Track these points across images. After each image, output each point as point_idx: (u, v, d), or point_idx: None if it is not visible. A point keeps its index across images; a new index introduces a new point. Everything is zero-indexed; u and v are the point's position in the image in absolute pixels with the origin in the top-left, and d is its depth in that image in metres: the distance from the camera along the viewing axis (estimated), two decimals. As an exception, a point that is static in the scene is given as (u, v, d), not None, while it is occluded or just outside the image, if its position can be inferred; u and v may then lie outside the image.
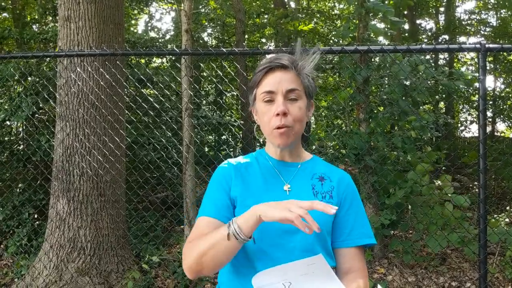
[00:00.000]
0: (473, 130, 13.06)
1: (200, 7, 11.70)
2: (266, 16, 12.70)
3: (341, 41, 5.59)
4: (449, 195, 4.55)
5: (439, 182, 5.01)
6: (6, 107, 5.54)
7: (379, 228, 4.61)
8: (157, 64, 10.09)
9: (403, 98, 4.78)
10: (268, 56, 1.42)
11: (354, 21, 5.29)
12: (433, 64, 10.82)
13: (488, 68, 13.42)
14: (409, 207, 5.17)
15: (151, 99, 5.02)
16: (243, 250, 1.33)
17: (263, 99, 1.37)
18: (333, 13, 14.58)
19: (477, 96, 2.82)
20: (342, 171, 1.51)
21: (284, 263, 1.24)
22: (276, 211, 1.14)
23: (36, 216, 5.56)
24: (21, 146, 6.35)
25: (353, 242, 1.41)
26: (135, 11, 11.47)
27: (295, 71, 1.38)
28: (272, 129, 1.36)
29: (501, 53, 11.27)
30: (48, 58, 5.45)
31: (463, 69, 15.52)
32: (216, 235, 1.24)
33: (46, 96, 4.76)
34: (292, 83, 1.36)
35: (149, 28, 11.93)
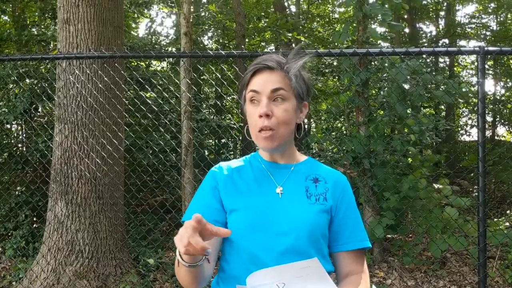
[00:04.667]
0: (473, 134, 13.05)
1: (201, 10, 11.72)
2: (266, 20, 12.73)
3: (340, 45, 5.58)
4: (448, 197, 4.53)
5: (439, 186, 5.00)
6: (5, 109, 5.54)
7: (379, 232, 4.58)
8: (157, 67, 10.09)
9: (402, 101, 4.77)
10: (257, 59, 1.41)
11: (354, 24, 5.29)
12: (433, 68, 10.84)
13: (491, 72, 13.49)
14: (408, 209, 5.16)
15: (150, 102, 5.01)
16: (236, 253, 1.32)
17: (250, 99, 1.36)
18: (333, 17, 14.62)
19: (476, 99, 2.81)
20: (338, 173, 1.48)
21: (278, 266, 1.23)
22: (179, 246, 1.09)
23: (34, 218, 5.54)
24: (20, 149, 6.35)
25: (355, 244, 1.39)
26: (135, 15, 11.48)
27: (283, 72, 1.36)
28: (256, 132, 1.34)
29: (501, 56, 11.29)
30: (47, 60, 5.45)
31: (463, 73, 15.53)
32: (175, 262, 1.24)
33: (43, 96, 4.77)
34: (278, 83, 1.34)
35: (150, 32, 11.93)
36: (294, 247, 1.30)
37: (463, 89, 4.98)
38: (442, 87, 5.11)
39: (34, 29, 8.99)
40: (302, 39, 8.25)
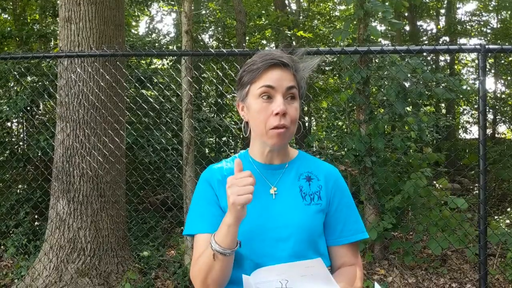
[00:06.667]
0: (474, 132, 13.06)
1: (201, 8, 11.71)
2: (267, 18, 12.72)
3: (341, 43, 5.59)
4: (449, 197, 4.55)
5: (439, 185, 5.00)
6: (6, 107, 5.55)
7: (380, 230, 4.60)
8: (158, 66, 10.09)
9: (402, 99, 4.78)
10: (262, 53, 1.38)
11: (354, 22, 5.29)
12: (433, 66, 10.82)
13: (493, 70, 13.48)
14: (409, 207, 5.17)
15: (152, 100, 5.02)
16: (238, 261, 1.33)
17: (261, 95, 1.33)
18: (333, 14, 14.60)
19: (477, 97, 2.82)
20: (329, 167, 1.49)
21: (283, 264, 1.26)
22: (236, 202, 1.18)
23: (36, 216, 5.55)
24: (21, 146, 6.36)
25: (346, 239, 1.42)
26: (136, 13, 11.48)
27: (294, 70, 1.35)
28: (268, 129, 1.32)
29: (502, 54, 11.28)
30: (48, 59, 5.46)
31: (464, 70, 15.52)
32: (206, 259, 1.25)
33: (44, 93, 4.77)
34: (291, 81, 1.34)
35: (150, 29, 11.92)
36: (294, 251, 1.33)
37: (464, 87, 4.97)
38: (442, 85, 5.11)
39: (35, 27, 8.99)
40: (304, 35, 8.23)
